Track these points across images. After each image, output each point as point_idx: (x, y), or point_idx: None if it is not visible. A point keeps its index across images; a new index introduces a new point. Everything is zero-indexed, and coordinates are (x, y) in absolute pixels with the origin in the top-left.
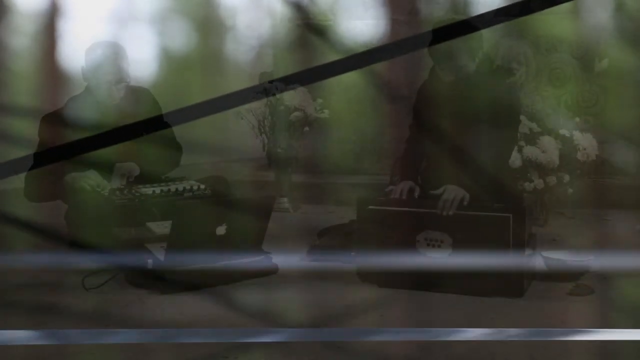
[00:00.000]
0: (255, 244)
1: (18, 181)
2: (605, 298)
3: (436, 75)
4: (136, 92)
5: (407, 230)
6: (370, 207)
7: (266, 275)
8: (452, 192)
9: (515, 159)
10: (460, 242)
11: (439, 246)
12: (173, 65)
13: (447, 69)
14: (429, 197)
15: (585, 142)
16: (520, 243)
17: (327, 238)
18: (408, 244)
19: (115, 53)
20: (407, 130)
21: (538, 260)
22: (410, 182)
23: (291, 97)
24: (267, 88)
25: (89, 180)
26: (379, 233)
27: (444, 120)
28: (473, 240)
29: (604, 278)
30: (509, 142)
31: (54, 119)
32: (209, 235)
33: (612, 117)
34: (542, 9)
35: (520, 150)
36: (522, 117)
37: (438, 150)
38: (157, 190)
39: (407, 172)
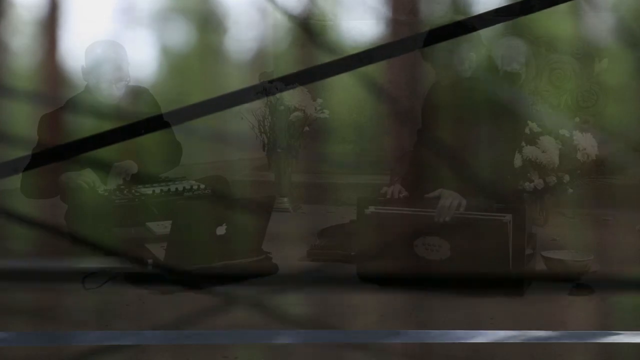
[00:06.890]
0: (255, 244)
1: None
2: (605, 298)
3: (436, 80)
4: (135, 92)
5: (405, 233)
6: (368, 211)
7: (266, 275)
8: (448, 199)
9: (515, 159)
10: (460, 244)
11: (437, 251)
12: (172, 65)
13: (436, 68)
14: (425, 200)
15: (585, 142)
16: (520, 243)
17: (327, 238)
18: (406, 246)
19: (115, 52)
20: (407, 130)
21: (538, 260)
22: (399, 185)
23: (291, 97)
24: (267, 88)
25: (86, 179)
26: (378, 235)
27: (443, 124)
28: (472, 241)
29: (604, 278)
30: (511, 147)
31: (53, 118)
32: (209, 235)
33: (612, 117)
34: (543, 8)
35: (520, 150)
36: None
37: (439, 154)
38: (157, 190)
39: (406, 173)
